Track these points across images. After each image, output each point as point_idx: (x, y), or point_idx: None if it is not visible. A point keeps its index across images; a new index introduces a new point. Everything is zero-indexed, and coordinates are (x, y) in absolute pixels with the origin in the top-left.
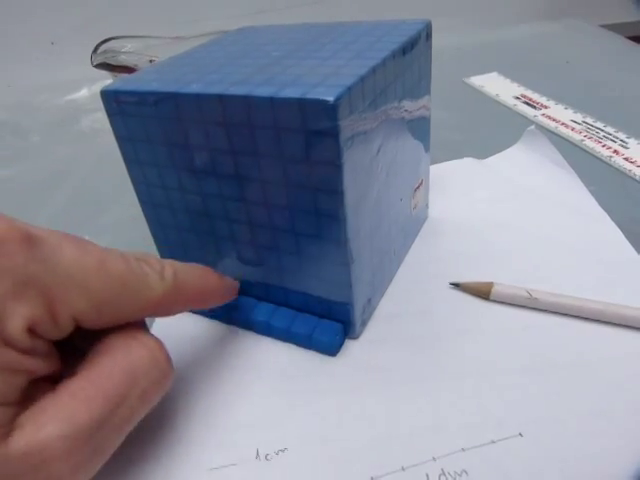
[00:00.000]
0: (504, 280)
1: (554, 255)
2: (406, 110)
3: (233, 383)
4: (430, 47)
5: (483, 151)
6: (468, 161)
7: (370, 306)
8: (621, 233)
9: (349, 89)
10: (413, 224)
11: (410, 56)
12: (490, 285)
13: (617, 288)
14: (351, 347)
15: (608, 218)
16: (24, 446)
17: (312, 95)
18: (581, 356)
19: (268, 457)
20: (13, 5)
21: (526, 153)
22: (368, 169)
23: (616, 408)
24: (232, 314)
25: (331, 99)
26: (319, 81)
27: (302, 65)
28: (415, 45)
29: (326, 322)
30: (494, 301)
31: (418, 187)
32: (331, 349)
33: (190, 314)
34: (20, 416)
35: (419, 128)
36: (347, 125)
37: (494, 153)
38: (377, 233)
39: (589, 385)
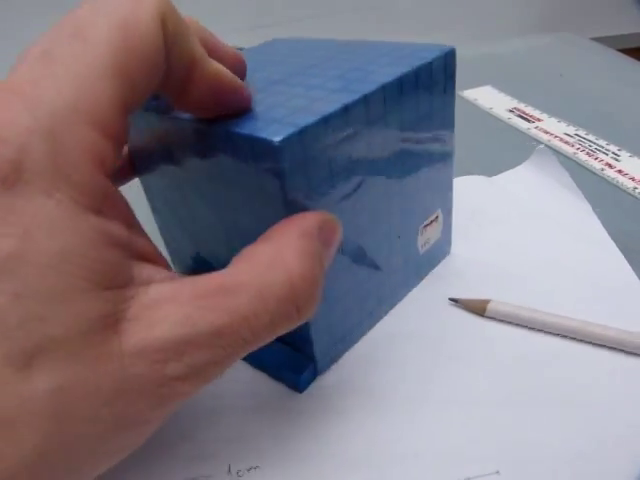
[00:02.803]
0: (503, 299)
1: (557, 278)
2: (407, 144)
3: (211, 398)
4: (451, 77)
5: (477, 164)
6: (475, 179)
7: (344, 343)
8: (624, 258)
9: (303, 129)
10: (421, 261)
11: (412, 88)
12: (486, 302)
13: (617, 313)
14: (338, 366)
15: (612, 243)
16: (140, 341)
17: (261, 134)
18: (574, 381)
19: (239, 473)
20: (12, 19)
21: (535, 173)
22: (335, 208)
23: (604, 446)
24: None
25: (277, 139)
26: (282, 116)
27: (285, 93)
28: (420, 76)
29: (299, 356)
30: (490, 318)
31: (430, 223)
32: (297, 386)
33: None
34: (128, 307)
35: (432, 163)
36: (297, 166)
37: (488, 166)
38: (346, 278)
39: (579, 418)
